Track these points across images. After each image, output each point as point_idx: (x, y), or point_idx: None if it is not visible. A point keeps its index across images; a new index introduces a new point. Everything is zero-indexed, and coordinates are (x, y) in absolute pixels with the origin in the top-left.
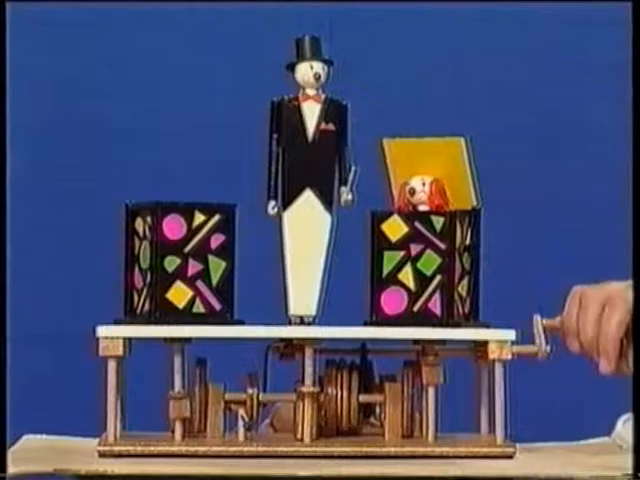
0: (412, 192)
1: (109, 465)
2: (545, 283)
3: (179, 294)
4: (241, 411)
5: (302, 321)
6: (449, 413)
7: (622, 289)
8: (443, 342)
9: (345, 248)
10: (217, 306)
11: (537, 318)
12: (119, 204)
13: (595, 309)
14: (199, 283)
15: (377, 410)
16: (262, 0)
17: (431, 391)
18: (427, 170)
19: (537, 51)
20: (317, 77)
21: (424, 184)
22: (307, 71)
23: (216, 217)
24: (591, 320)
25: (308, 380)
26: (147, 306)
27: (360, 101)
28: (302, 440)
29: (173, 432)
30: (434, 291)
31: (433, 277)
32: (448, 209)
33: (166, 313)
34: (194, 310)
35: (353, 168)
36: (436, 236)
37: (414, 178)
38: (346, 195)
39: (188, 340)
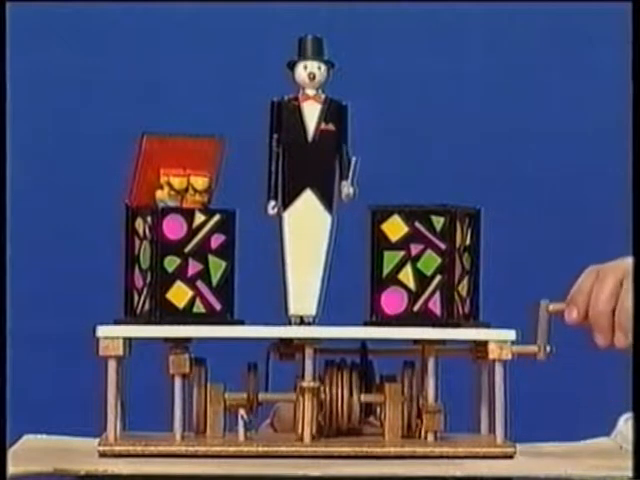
0: None
1: (109, 465)
2: (545, 283)
3: (179, 294)
4: (241, 411)
5: (302, 321)
6: (449, 413)
7: None
8: (443, 342)
9: (345, 248)
10: (217, 306)
11: (544, 302)
12: (119, 204)
13: (612, 283)
14: (199, 283)
15: (377, 410)
16: (263, 0)
17: (430, 436)
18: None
19: (537, 51)
20: (311, 77)
21: None
22: (301, 70)
23: (216, 217)
24: (607, 293)
25: (308, 379)
26: (147, 306)
27: (359, 100)
28: (302, 440)
29: (173, 427)
30: (434, 291)
31: (433, 277)
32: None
33: (166, 313)
34: (194, 310)
35: (354, 159)
36: (436, 236)
37: None
38: (347, 189)
39: (188, 340)
